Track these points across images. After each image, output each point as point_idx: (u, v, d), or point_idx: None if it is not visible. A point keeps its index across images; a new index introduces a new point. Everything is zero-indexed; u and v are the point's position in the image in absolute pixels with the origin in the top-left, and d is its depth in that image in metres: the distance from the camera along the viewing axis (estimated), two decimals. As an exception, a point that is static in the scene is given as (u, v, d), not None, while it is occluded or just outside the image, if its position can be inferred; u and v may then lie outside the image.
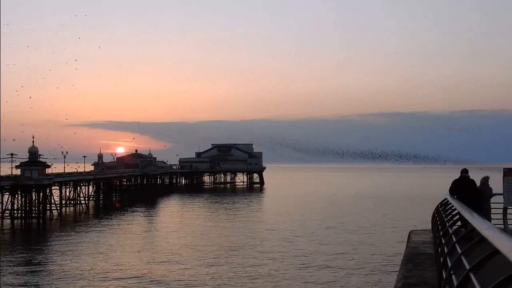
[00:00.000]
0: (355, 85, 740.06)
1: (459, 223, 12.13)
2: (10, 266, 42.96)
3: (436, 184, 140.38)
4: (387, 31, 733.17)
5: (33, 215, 71.95)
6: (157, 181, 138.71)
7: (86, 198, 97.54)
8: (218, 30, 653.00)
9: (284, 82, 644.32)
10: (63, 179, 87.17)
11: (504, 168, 17.58)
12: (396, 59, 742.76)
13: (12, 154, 77.75)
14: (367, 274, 39.31)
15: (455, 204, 13.49)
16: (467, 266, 6.26)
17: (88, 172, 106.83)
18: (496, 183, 18.82)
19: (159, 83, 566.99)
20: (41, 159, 79.26)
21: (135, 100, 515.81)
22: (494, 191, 18.20)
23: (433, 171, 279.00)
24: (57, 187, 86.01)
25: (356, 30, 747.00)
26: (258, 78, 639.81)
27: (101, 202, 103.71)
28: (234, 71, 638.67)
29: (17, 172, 76.52)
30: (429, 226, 20.02)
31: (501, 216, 17.67)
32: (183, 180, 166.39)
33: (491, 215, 17.91)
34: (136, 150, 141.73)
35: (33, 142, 79.23)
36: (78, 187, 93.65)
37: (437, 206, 17.49)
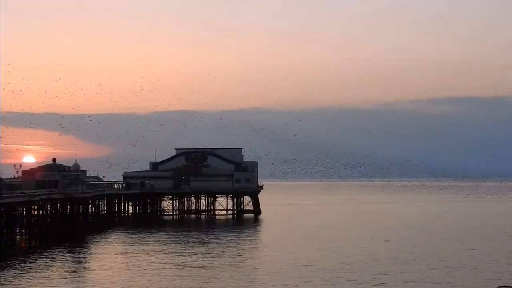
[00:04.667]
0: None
1: None
2: None
3: None
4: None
5: None
6: (89, 208, 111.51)
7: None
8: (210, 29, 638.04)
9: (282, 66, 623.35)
10: None
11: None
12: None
13: None
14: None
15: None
16: None
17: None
18: None
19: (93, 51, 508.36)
20: None
21: (53, 82, 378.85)
22: None
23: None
24: None
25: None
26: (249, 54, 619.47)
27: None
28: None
29: None
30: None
31: None
32: (131, 207, 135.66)
33: None
34: (54, 159, 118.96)
35: None
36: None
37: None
